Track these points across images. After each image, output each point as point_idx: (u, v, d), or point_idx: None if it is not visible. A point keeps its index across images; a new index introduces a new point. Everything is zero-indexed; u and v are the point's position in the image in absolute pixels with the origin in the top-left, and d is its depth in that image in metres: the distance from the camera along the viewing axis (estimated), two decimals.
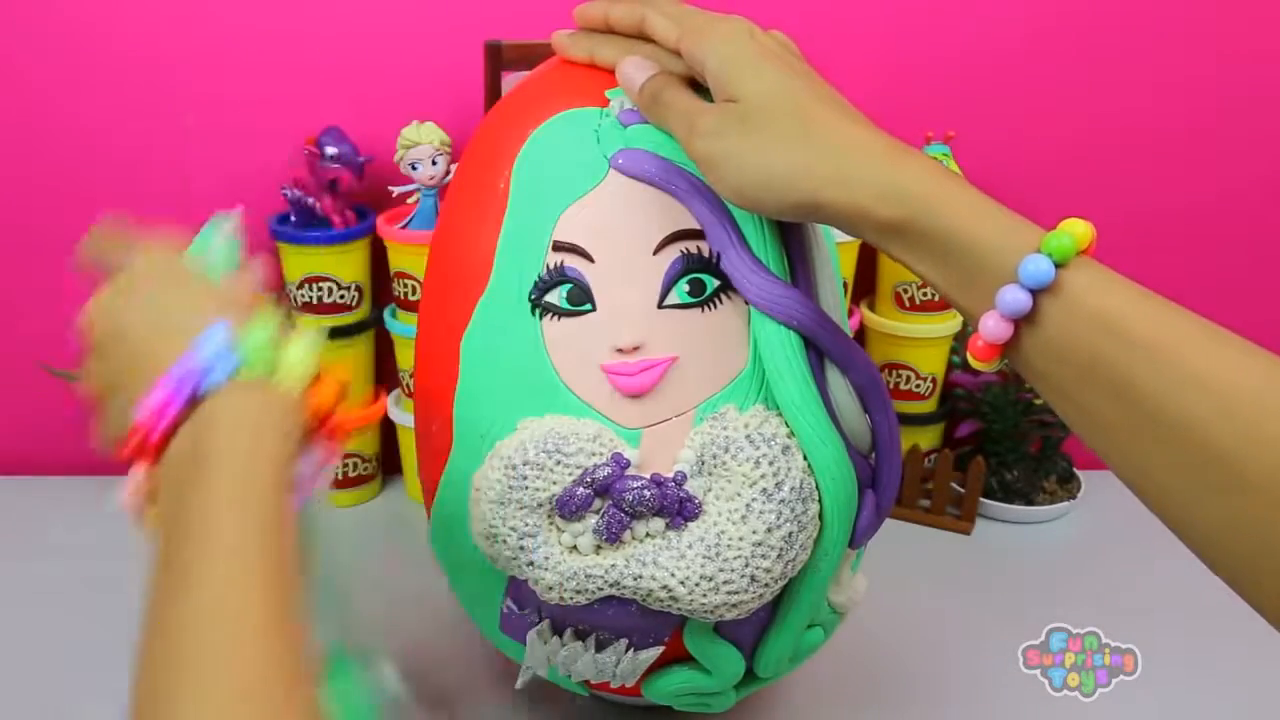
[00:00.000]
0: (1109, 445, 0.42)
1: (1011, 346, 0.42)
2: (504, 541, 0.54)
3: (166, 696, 0.32)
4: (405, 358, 0.94)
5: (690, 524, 0.54)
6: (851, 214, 0.44)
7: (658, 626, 0.56)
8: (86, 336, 0.46)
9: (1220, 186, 0.95)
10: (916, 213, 0.42)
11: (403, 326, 0.91)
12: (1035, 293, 0.40)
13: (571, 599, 0.54)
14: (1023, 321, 0.41)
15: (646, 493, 0.52)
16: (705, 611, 0.54)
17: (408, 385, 0.94)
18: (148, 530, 0.41)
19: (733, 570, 0.53)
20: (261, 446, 0.38)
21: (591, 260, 0.55)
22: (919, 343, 0.94)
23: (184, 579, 0.35)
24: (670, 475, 0.54)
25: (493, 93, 0.84)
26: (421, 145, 0.86)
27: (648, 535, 0.54)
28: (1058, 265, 0.40)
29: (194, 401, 0.39)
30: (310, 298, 0.90)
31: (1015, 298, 0.40)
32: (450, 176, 0.86)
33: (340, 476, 0.95)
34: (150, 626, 0.35)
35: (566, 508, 0.53)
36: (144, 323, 0.44)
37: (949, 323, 0.94)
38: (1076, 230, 0.40)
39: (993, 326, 0.41)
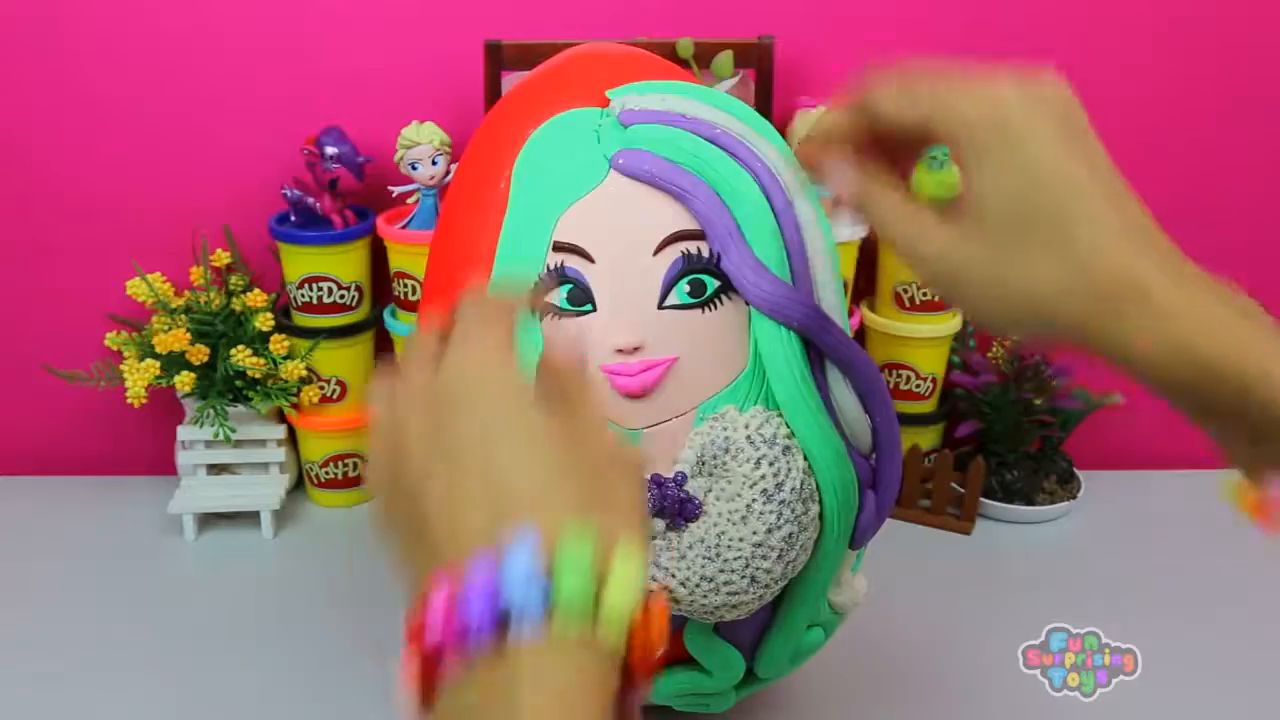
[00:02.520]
0: None
1: None
2: None
3: None
4: None
5: (690, 525, 0.54)
6: (1102, 354, 0.38)
7: None
8: (375, 431, 0.36)
9: (1220, 188, 0.95)
10: (1208, 380, 0.36)
11: (403, 326, 0.91)
12: None
13: None
14: None
15: (647, 493, 0.52)
16: (706, 612, 0.54)
17: None
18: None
19: (733, 571, 0.53)
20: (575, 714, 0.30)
21: (592, 261, 0.55)
22: (919, 343, 0.94)
23: None
24: (670, 476, 0.54)
25: (493, 93, 0.84)
26: (421, 145, 0.86)
27: (648, 535, 0.54)
28: None
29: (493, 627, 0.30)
30: (310, 298, 0.90)
31: None
32: (450, 176, 0.86)
33: (340, 476, 0.95)
34: None
35: None
36: (464, 461, 0.33)
37: (949, 323, 0.94)
38: None
39: None
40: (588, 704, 0.30)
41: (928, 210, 0.41)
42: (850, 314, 0.94)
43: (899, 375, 0.95)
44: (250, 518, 0.91)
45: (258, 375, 0.89)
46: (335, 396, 0.94)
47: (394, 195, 0.90)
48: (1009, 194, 0.38)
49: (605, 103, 0.56)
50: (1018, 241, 0.38)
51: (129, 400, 0.87)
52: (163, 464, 0.97)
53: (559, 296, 0.55)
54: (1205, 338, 0.36)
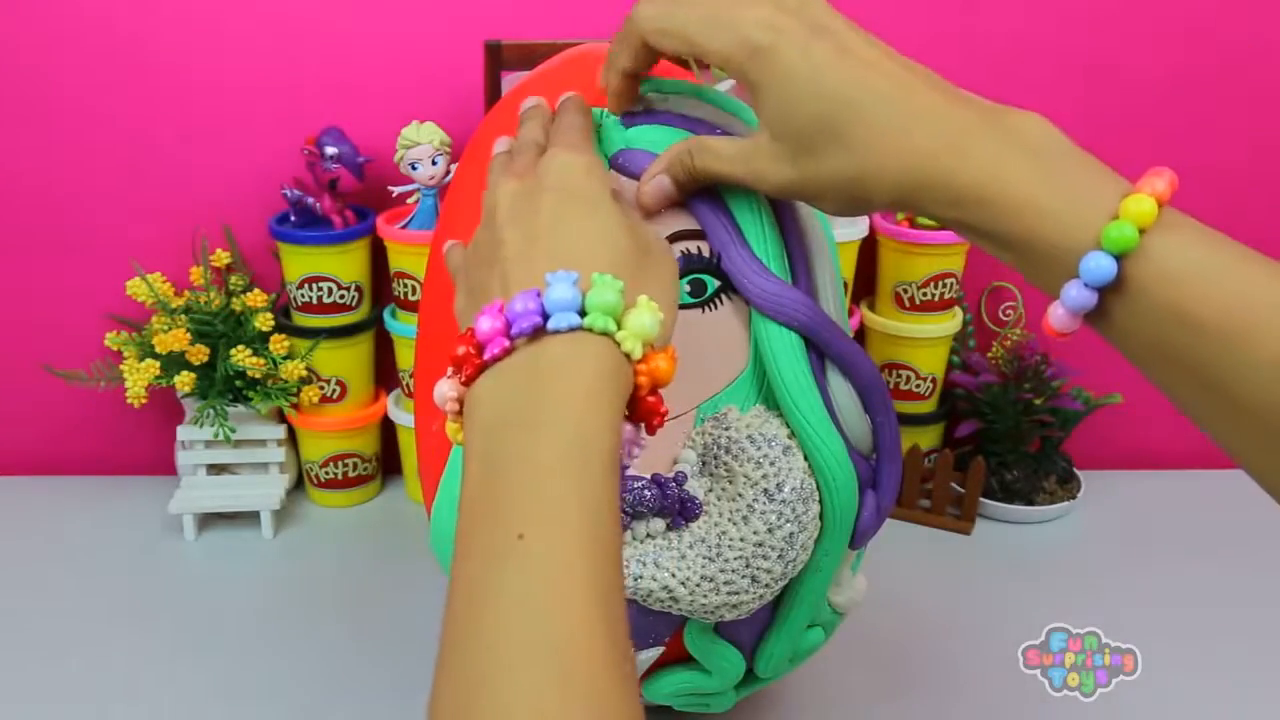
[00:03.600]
0: (1198, 422, 0.40)
1: (1092, 323, 0.41)
2: None
3: (483, 669, 0.31)
4: (405, 358, 0.94)
5: (691, 524, 0.54)
6: (923, 214, 0.43)
7: (658, 627, 0.56)
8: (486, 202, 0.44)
9: (1221, 176, 0.95)
10: (977, 217, 0.41)
11: (403, 326, 0.91)
12: (1099, 289, 0.39)
13: None
14: (1089, 314, 0.40)
15: (647, 493, 0.52)
16: (706, 612, 0.54)
17: (408, 385, 0.94)
18: (450, 438, 0.40)
19: (733, 571, 0.53)
20: (596, 412, 0.35)
21: None
22: (919, 343, 0.94)
23: (506, 542, 0.33)
24: (671, 475, 0.54)
25: (493, 93, 0.84)
26: (421, 145, 0.86)
27: (648, 535, 0.54)
28: (1120, 258, 0.38)
29: (529, 336, 0.37)
30: (310, 298, 0.90)
31: (1079, 295, 0.39)
32: (450, 176, 0.86)
33: (340, 476, 0.95)
34: (466, 581, 0.33)
35: None
36: (544, 229, 0.41)
37: (949, 323, 0.94)
38: (1142, 209, 0.38)
39: (1061, 315, 0.40)
40: (606, 396, 0.36)
41: (742, 145, 0.47)
42: (850, 314, 0.94)
43: (899, 375, 0.95)
44: (250, 518, 0.91)
45: (258, 375, 0.89)
46: (335, 396, 0.94)
47: (394, 195, 0.90)
48: (791, 117, 0.44)
49: (605, 103, 0.56)
50: (815, 154, 0.44)
51: (129, 400, 0.87)
52: (163, 464, 0.97)
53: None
54: (990, 190, 0.40)
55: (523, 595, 0.32)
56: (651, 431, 0.39)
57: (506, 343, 0.37)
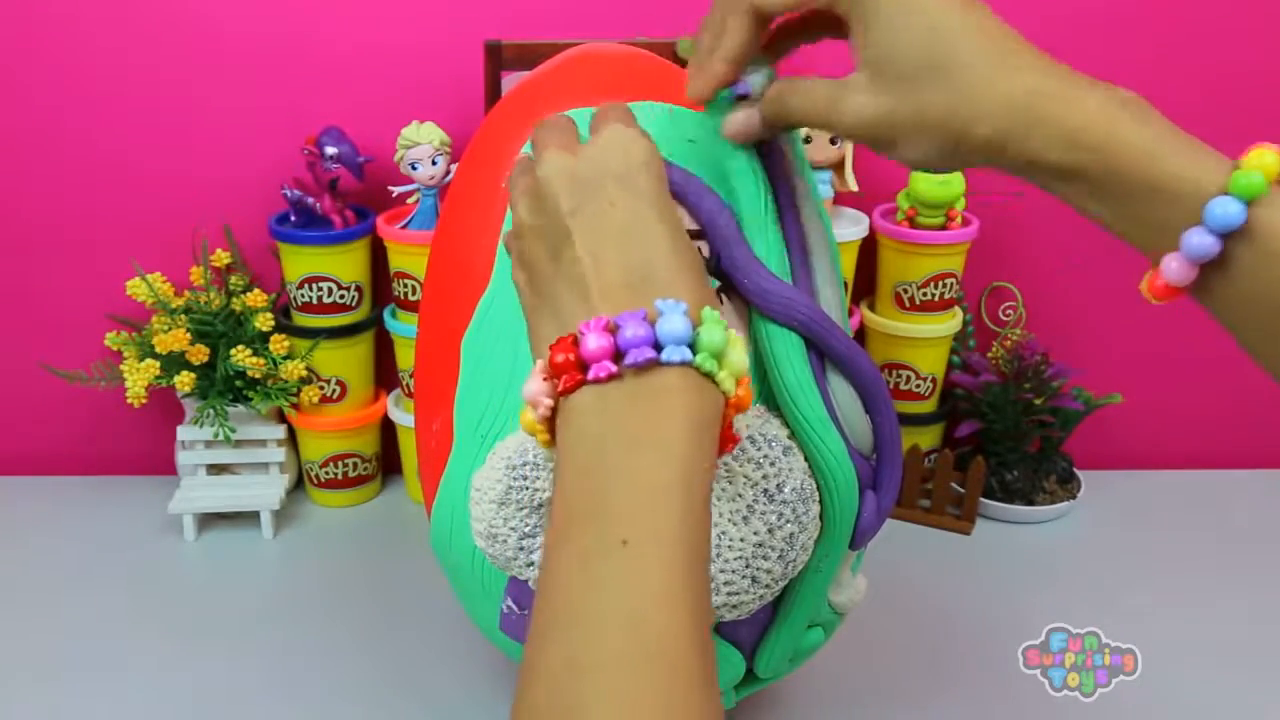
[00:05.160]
0: None
1: (1198, 288, 0.40)
2: (504, 542, 0.54)
3: (579, 661, 0.32)
4: (405, 358, 0.94)
5: None
6: (1018, 164, 0.42)
7: None
8: (538, 180, 0.43)
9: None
10: (1091, 160, 0.40)
11: (403, 326, 0.91)
12: (1224, 236, 0.38)
13: None
14: (1209, 265, 0.39)
15: None
16: None
17: (408, 385, 0.94)
18: (527, 431, 0.41)
19: (734, 571, 0.53)
20: (699, 442, 0.37)
21: None
22: (919, 343, 0.94)
23: (609, 545, 0.34)
24: None
25: (493, 93, 0.84)
26: (421, 145, 0.86)
27: None
28: (1248, 204, 0.37)
29: (639, 365, 0.37)
30: (310, 298, 0.90)
31: (1202, 242, 0.38)
32: (450, 176, 0.86)
33: (340, 476, 0.95)
34: (563, 576, 0.34)
35: None
36: (607, 227, 0.40)
37: (949, 323, 0.94)
38: (1265, 162, 0.37)
39: (1176, 269, 0.39)
40: (707, 427, 0.37)
41: (831, 83, 0.46)
42: (850, 314, 0.94)
43: (899, 375, 0.95)
44: (250, 518, 0.91)
45: (258, 375, 0.89)
46: (335, 396, 0.94)
47: (394, 195, 0.90)
48: (896, 48, 0.43)
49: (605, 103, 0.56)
50: (914, 86, 0.43)
51: (129, 400, 0.87)
52: (163, 464, 0.97)
53: None
54: (1088, 127, 0.40)
55: (623, 595, 0.33)
56: (720, 455, 0.40)
57: (614, 368, 0.37)
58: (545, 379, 0.39)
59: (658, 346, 0.37)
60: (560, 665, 0.32)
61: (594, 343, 0.37)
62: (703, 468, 0.37)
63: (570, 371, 0.38)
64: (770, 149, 0.54)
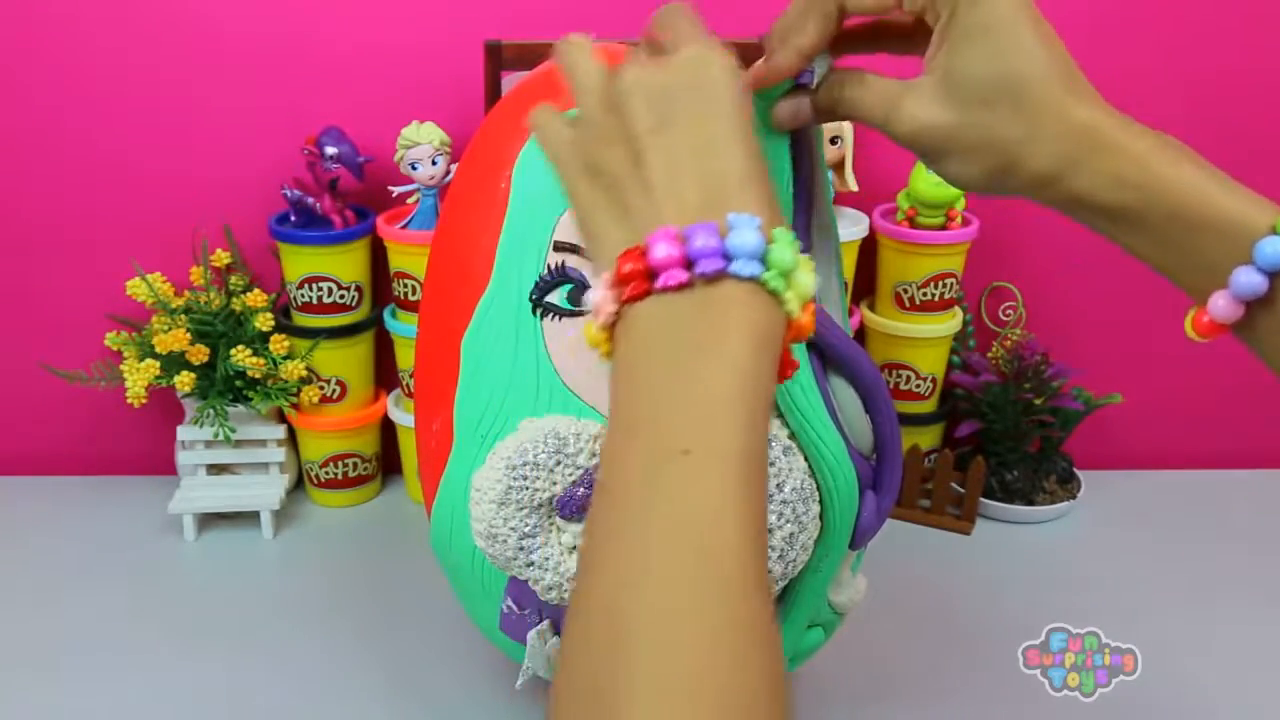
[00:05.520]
0: None
1: (1242, 325, 0.41)
2: (504, 542, 0.54)
3: (635, 568, 0.32)
4: (405, 358, 0.94)
5: None
6: (1066, 201, 0.43)
7: None
8: (604, 87, 0.42)
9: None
10: (1138, 198, 0.41)
11: (403, 326, 0.91)
12: (1273, 275, 0.39)
13: None
14: (1256, 303, 0.40)
15: None
16: None
17: (408, 385, 0.94)
18: (593, 349, 0.40)
19: None
20: (762, 357, 0.36)
21: None
22: (919, 343, 0.94)
23: (668, 454, 0.34)
24: None
25: (493, 93, 0.84)
26: (421, 145, 0.86)
27: None
28: None
29: (708, 275, 0.37)
30: (310, 298, 0.90)
31: (1250, 280, 0.39)
32: (450, 176, 0.86)
33: (340, 476, 0.95)
34: (621, 484, 0.34)
35: (567, 508, 0.53)
36: (686, 141, 0.39)
37: (949, 323, 0.94)
38: None
39: (1223, 307, 0.40)
40: (770, 344, 0.37)
41: (894, 82, 0.46)
42: (850, 314, 0.94)
43: (899, 375, 0.95)
44: (250, 518, 0.91)
45: (258, 375, 0.89)
46: (335, 396, 0.94)
47: (394, 195, 0.90)
48: (980, 67, 0.43)
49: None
50: (985, 105, 0.43)
51: (129, 400, 0.87)
52: (163, 464, 0.97)
53: (561, 296, 0.55)
54: (1156, 170, 0.41)
55: (680, 504, 0.33)
56: (780, 381, 0.40)
57: (684, 276, 0.36)
58: (610, 287, 0.38)
59: (728, 259, 0.36)
60: (612, 577, 0.32)
61: (663, 251, 0.37)
62: (764, 385, 0.36)
63: (638, 280, 0.37)
64: (800, 139, 0.54)
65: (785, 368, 0.40)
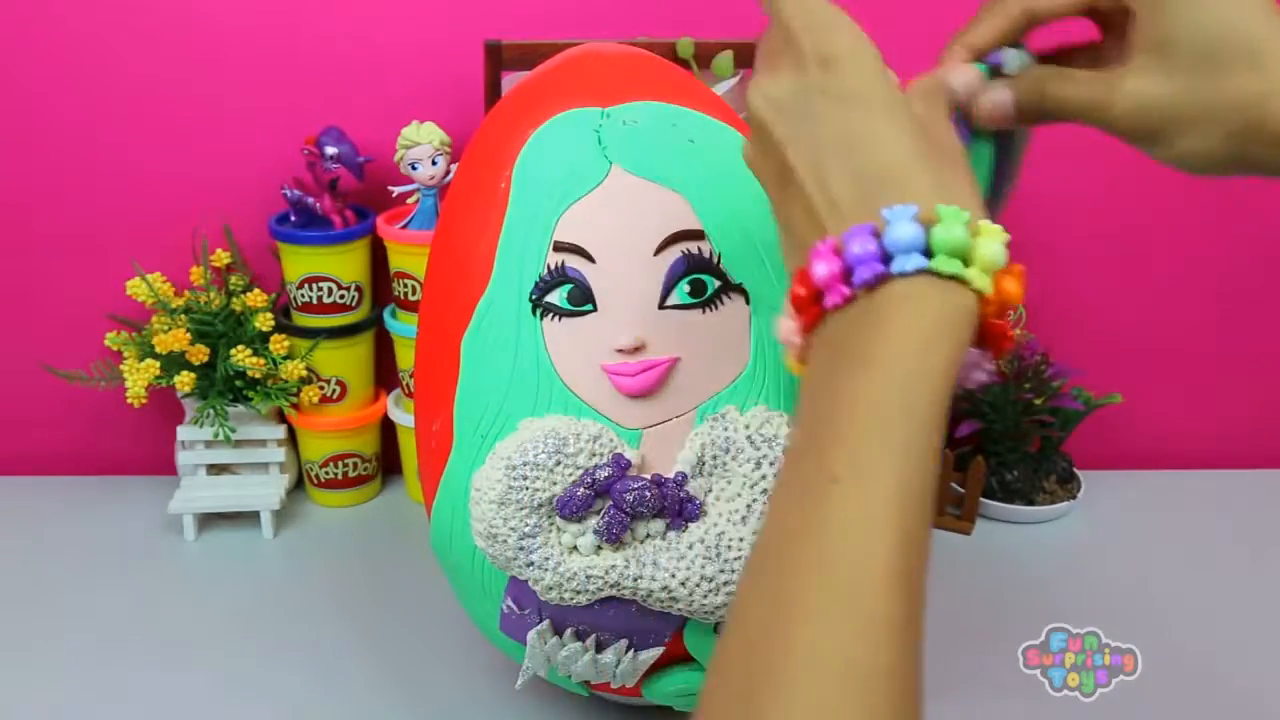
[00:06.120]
0: None
1: None
2: (504, 541, 0.54)
3: (780, 603, 0.31)
4: (405, 358, 0.94)
5: (691, 525, 0.54)
6: None
7: (658, 627, 0.56)
8: (759, 112, 0.40)
9: (1219, 183, 0.95)
10: None
11: (403, 326, 0.91)
12: None
13: (571, 599, 0.54)
14: None
15: (647, 493, 0.52)
16: (705, 612, 0.54)
17: (408, 385, 0.94)
18: (791, 371, 0.39)
19: (733, 571, 0.53)
20: (931, 354, 0.34)
21: (592, 260, 0.55)
22: None
23: (820, 482, 0.32)
24: (671, 476, 0.54)
25: (493, 93, 0.84)
26: (421, 145, 0.86)
27: (648, 536, 0.54)
28: None
29: (868, 283, 0.35)
30: (310, 298, 0.90)
31: None
32: (450, 176, 0.86)
33: (340, 476, 0.95)
34: (779, 513, 0.34)
35: (567, 508, 0.53)
36: (827, 143, 0.37)
37: None
38: None
39: None
40: (946, 336, 0.34)
41: (1105, 72, 0.44)
42: None
43: None
44: (250, 518, 0.91)
45: (258, 375, 0.89)
46: (335, 396, 0.94)
47: (394, 195, 0.90)
48: (1200, 27, 0.41)
49: (605, 103, 0.56)
50: (1216, 65, 0.41)
51: (129, 400, 0.87)
52: (163, 464, 0.97)
53: (560, 296, 0.55)
54: None
55: (824, 536, 0.32)
56: (999, 355, 0.38)
57: (846, 291, 0.35)
58: (791, 317, 0.37)
59: (887, 258, 0.34)
60: (756, 606, 0.32)
61: (822, 270, 0.35)
62: (932, 384, 0.33)
63: (808, 306, 0.36)
64: (1006, 144, 0.50)
65: (1000, 340, 0.37)
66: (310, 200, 0.88)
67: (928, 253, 0.35)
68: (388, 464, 1.00)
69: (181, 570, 0.87)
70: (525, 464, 0.53)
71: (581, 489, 0.53)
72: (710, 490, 0.54)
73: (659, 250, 0.55)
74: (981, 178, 0.49)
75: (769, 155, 0.40)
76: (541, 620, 0.58)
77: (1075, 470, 0.96)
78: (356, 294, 0.92)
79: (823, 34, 0.40)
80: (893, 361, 0.33)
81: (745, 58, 0.85)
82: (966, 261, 0.35)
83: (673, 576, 0.53)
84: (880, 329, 0.34)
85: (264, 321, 0.89)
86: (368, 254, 0.92)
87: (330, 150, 0.87)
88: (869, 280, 0.34)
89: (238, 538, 0.90)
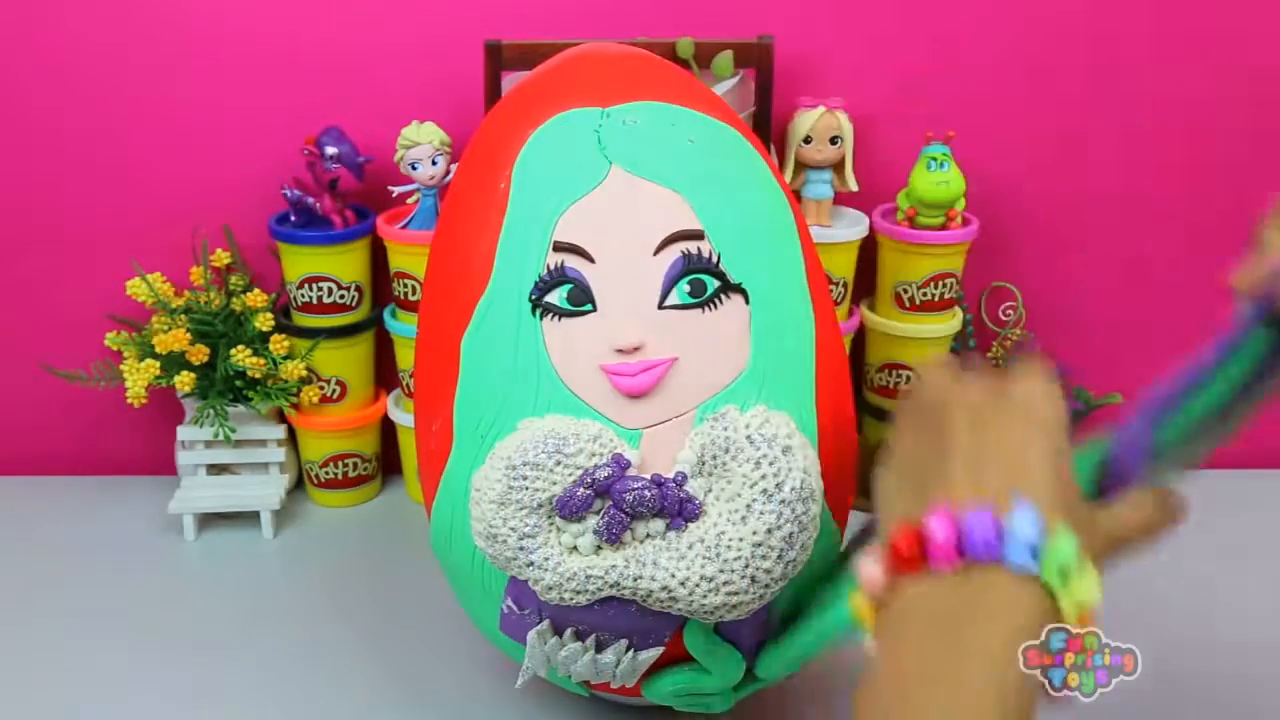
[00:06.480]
0: None
1: None
2: (504, 542, 0.54)
3: None
4: (405, 358, 0.94)
5: (690, 525, 0.54)
6: None
7: (658, 627, 0.56)
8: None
9: (1219, 183, 0.95)
10: None
11: (403, 326, 0.91)
12: None
13: (571, 599, 0.54)
14: None
15: (647, 493, 0.52)
16: (705, 612, 0.54)
17: (408, 385, 0.94)
18: (856, 613, 0.41)
19: (733, 571, 0.53)
20: (1019, 664, 0.37)
21: (592, 260, 0.55)
22: (919, 343, 0.94)
23: None
24: (671, 476, 0.54)
25: (493, 93, 0.84)
26: (421, 145, 0.86)
27: (648, 536, 0.54)
28: None
29: (980, 561, 0.37)
30: (310, 298, 0.90)
31: None
32: (450, 176, 0.86)
33: (340, 476, 0.95)
34: None
35: (567, 508, 0.53)
36: (993, 447, 0.40)
37: (949, 323, 0.94)
38: None
39: None
40: (1039, 649, 0.37)
41: None
42: (850, 314, 0.94)
43: (899, 375, 0.95)
44: (250, 518, 0.91)
45: (258, 375, 0.89)
46: (335, 396, 0.94)
47: (394, 195, 0.90)
48: None
49: (605, 103, 0.56)
50: None
51: (129, 400, 0.87)
52: (163, 464, 0.97)
53: (560, 296, 0.55)
54: None
55: None
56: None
57: (957, 560, 0.37)
58: (882, 561, 0.39)
59: (1002, 546, 0.37)
60: None
61: (940, 533, 0.37)
62: (1021, 676, 0.37)
63: (908, 560, 0.38)
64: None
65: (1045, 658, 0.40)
66: (310, 200, 0.88)
67: (1034, 555, 0.37)
68: (388, 464, 1.00)
69: (181, 570, 0.87)
70: (525, 464, 0.53)
71: (581, 489, 0.53)
72: (710, 490, 0.54)
73: (658, 250, 0.55)
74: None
75: (934, 433, 0.41)
76: (541, 620, 0.58)
77: None
78: (356, 294, 0.92)
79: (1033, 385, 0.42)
80: (988, 655, 0.36)
81: (745, 58, 0.85)
82: (1064, 582, 0.37)
83: (672, 576, 0.53)
84: (980, 615, 0.36)
85: (264, 321, 0.89)
86: (368, 254, 0.92)
87: (330, 150, 0.87)
88: (982, 559, 0.36)
89: (238, 538, 0.90)
